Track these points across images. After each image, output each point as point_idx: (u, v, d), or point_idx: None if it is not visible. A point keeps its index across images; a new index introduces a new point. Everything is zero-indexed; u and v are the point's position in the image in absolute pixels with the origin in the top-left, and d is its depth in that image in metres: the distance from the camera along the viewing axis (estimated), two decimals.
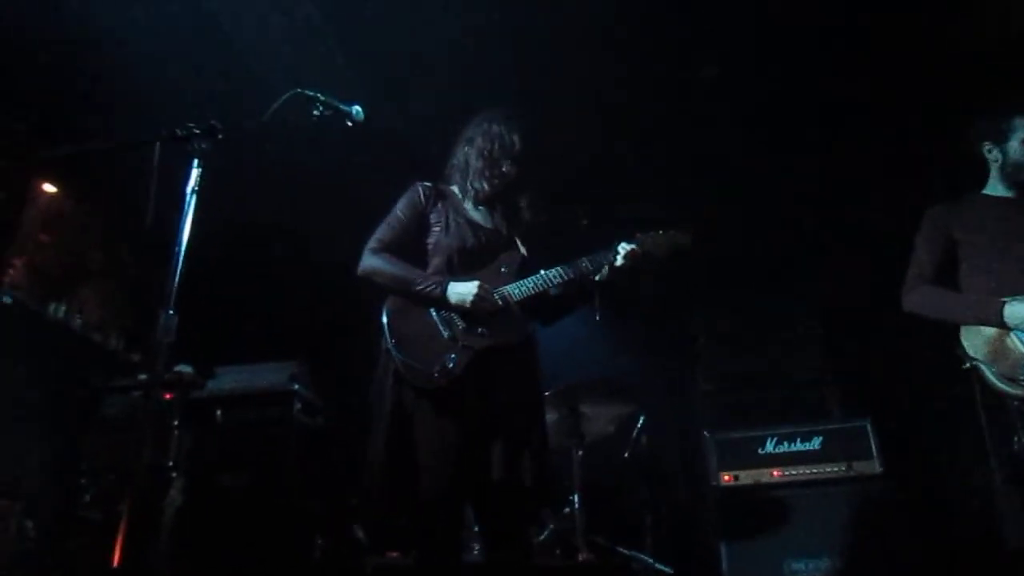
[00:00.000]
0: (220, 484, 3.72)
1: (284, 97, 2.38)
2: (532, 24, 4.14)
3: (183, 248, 2.12)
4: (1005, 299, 2.80)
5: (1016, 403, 2.79)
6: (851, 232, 4.86)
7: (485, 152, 2.83)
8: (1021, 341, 2.74)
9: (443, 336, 2.65)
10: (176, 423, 3.65)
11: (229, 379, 3.95)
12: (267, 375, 4.00)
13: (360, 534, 4.00)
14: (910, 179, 4.58)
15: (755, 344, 4.48)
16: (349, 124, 2.52)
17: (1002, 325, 2.79)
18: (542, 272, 2.76)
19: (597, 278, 2.80)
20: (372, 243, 2.81)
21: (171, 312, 2.09)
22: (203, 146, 2.16)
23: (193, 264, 2.14)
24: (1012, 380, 2.74)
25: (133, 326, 4.75)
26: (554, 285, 2.76)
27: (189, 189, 2.16)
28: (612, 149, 4.97)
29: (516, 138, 2.83)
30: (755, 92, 4.68)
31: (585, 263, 2.78)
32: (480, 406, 2.62)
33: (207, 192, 2.19)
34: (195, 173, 2.17)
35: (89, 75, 4.12)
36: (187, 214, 2.15)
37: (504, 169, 2.82)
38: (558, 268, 2.76)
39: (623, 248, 2.78)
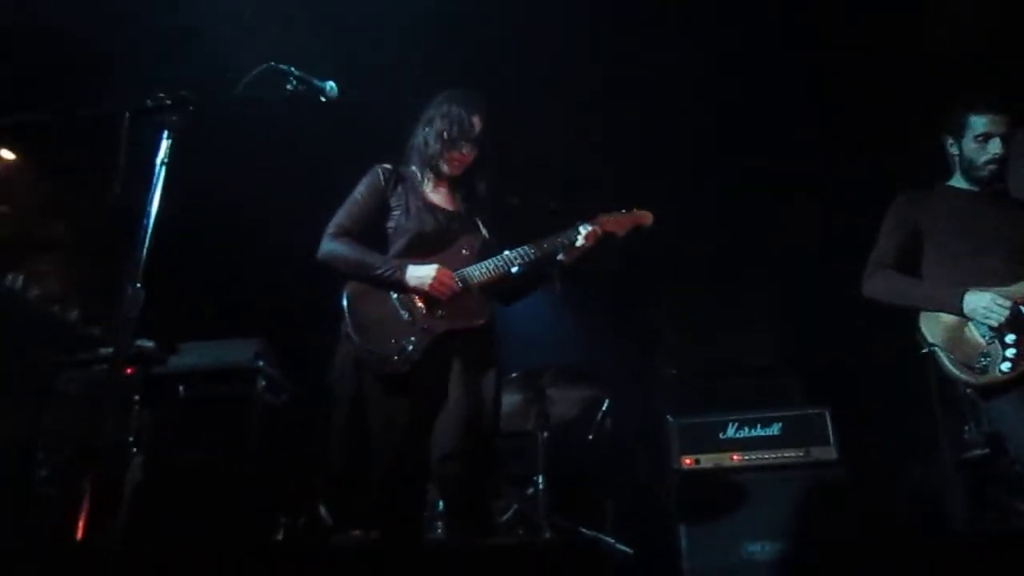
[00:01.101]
0: (181, 461, 3.69)
1: (257, 70, 2.35)
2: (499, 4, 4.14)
3: (151, 221, 2.09)
4: (965, 289, 2.84)
5: (969, 391, 2.87)
6: (815, 222, 4.94)
7: (444, 133, 2.82)
8: (979, 330, 2.80)
9: (402, 319, 2.66)
10: (137, 399, 3.59)
11: (192, 355, 3.89)
12: (231, 352, 3.95)
13: (324, 512, 4.00)
14: (875, 169, 4.67)
15: (719, 332, 4.55)
16: (323, 100, 2.49)
17: (960, 314, 2.84)
18: (503, 253, 2.77)
19: (560, 258, 2.82)
20: (331, 228, 2.81)
21: (137, 286, 2.06)
22: (174, 118, 2.13)
23: (159, 237, 2.11)
24: (967, 367, 2.79)
25: (95, 300, 4.65)
26: (515, 265, 2.77)
27: (158, 161, 2.12)
28: (577, 135, 4.99)
29: (475, 119, 2.82)
30: (725, 84, 4.72)
31: (547, 244, 2.79)
32: (437, 387, 2.64)
33: (175, 164, 2.16)
34: (165, 144, 2.13)
35: (53, 45, 4.02)
36: (156, 186, 2.12)
37: (463, 151, 2.83)
38: (519, 249, 2.78)
39: (584, 228, 2.81)
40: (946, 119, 3.08)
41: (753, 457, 3.83)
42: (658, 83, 4.68)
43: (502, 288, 2.92)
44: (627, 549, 3.94)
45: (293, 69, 2.40)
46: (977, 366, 2.77)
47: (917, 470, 4.00)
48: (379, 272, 2.70)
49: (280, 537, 3.78)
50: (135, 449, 3.51)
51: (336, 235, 2.79)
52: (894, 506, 3.93)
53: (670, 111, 4.83)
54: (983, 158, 2.97)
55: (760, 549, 3.56)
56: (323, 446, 2.96)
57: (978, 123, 2.96)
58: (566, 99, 4.74)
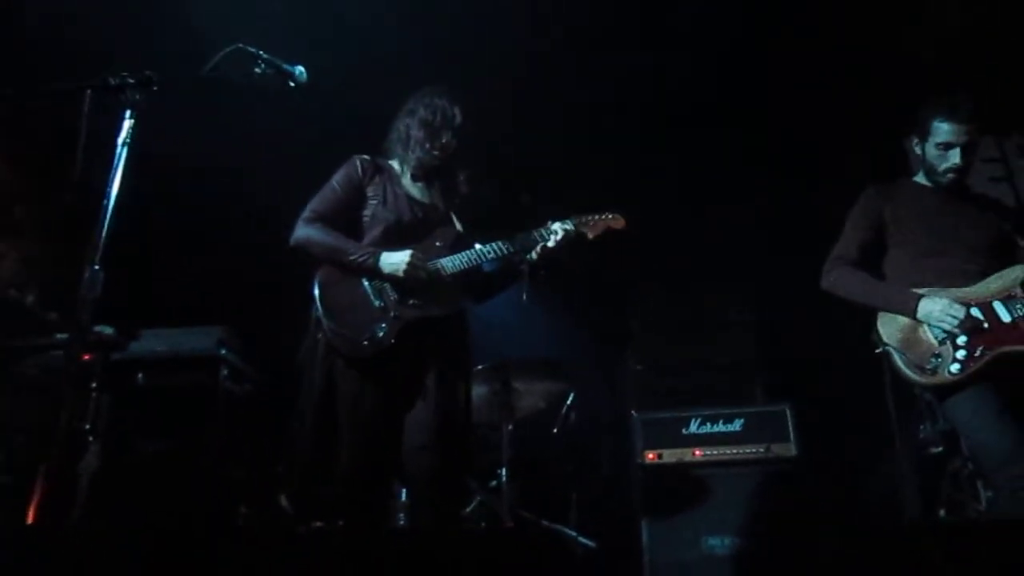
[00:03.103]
0: (140, 450, 3.62)
1: (225, 51, 2.31)
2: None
3: (112, 202, 2.05)
4: (922, 292, 2.89)
5: (924, 392, 2.93)
6: (781, 221, 5.01)
7: (427, 122, 2.83)
8: (933, 333, 2.85)
9: (374, 305, 2.66)
10: (95, 385, 3.52)
11: (153, 342, 3.82)
12: (193, 339, 3.89)
13: (285, 503, 3.96)
14: (841, 169, 4.74)
15: (686, 329, 4.58)
16: (292, 85, 2.46)
17: (915, 318, 2.88)
18: (477, 247, 2.78)
19: (532, 256, 2.84)
20: (307, 213, 2.80)
21: (97, 268, 2.02)
22: (136, 97, 2.08)
23: (120, 220, 2.07)
24: (919, 367, 2.83)
25: (53, 284, 4.55)
26: (488, 260, 2.79)
27: (120, 141, 2.08)
28: (551, 134, 5.00)
29: (457, 111, 2.84)
30: (690, 83, 4.76)
31: (519, 240, 2.82)
32: (409, 376, 2.64)
33: (138, 145, 2.11)
34: (127, 124, 2.09)
35: (12, 19, 3.92)
36: (117, 167, 2.07)
37: (444, 140, 2.83)
38: (493, 243, 2.79)
39: (558, 227, 2.83)
40: (914, 120, 3.11)
41: (715, 452, 3.87)
42: (631, 82, 4.71)
43: (475, 285, 2.93)
44: (589, 543, 3.96)
45: (262, 52, 2.37)
46: (928, 367, 2.81)
47: (875, 467, 4.07)
48: (353, 257, 2.69)
49: (239, 527, 3.74)
50: (91, 437, 3.45)
51: (311, 220, 2.78)
52: (851, 502, 4.00)
53: (642, 109, 4.86)
54: (943, 165, 3.00)
55: (720, 543, 3.60)
56: (286, 436, 2.93)
57: (941, 130, 2.97)
58: (539, 97, 4.75)
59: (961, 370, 2.74)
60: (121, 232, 2.08)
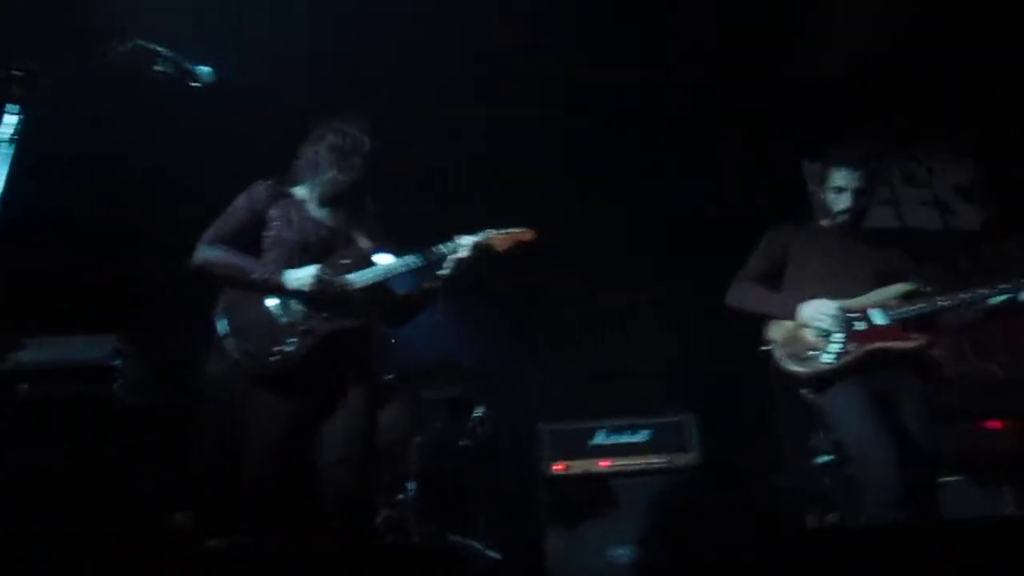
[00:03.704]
0: (22, 465, 3.43)
1: (122, 46, 2.21)
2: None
3: None
4: (804, 298, 3.11)
5: (807, 394, 3.10)
6: (689, 227, 5.15)
7: (336, 147, 2.83)
8: (813, 331, 3.06)
9: (280, 323, 2.65)
10: None
11: (40, 351, 3.63)
12: (86, 349, 3.70)
13: (182, 519, 3.81)
14: (746, 183, 4.92)
15: (594, 341, 4.65)
16: (196, 85, 2.38)
17: (796, 320, 3.10)
18: (384, 261, 2.78)
19: (441, 271, 2.85)
20: (206, 236, 2.80)
21: None
22: (24, 92, 1.97)
23: (6, 220, 1.96)
24: (798, 358, 3.05)
25: None
26: (396, 273, 2.79)
27: (7, 138, 1.96)
28: (456, 144, 5.01)
29: (366, 138, 2.85)
30: (601, 93, 4.85)
31: (428, 253, 2.82)
32: (320, 390, 2.63)
33: (27, 142, 2.01)
34: (12, 120, 1.98)
35: None
36: (3, 166, 1.96)
37: (354, 164, 2.83)
38: (401, 257, 2.79)
39: (467, 240, 2.84)
40: (811, 168, 3.33)
41: (621, 463, 3.93)
42: (536, 87, 4.75)
43: (389, 308, 2.93)
44: (495, 555, 3.96)
45: (163, 49, 2.28)
46: (804, 358, 3.04)
47: (774, 475, 4.22)
48: (256, 276, 2.69)
49: (131, 545, 3.57)
50: None
51: (211, 242, 2.77)
52: (751, 509, 4.12)
53: (558, 113, 4.91)
54: (837, 207, 3.22)
55: (624, 553, 3.66)
56: (183, 449, 2.86)
57: (836, 176, 3.21)
58: (450, 102, 4.74)
59: (835, 359, 2.98)
60: (7, 232, 1.97)
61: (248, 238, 2.81)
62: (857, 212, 3.24)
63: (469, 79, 4.60)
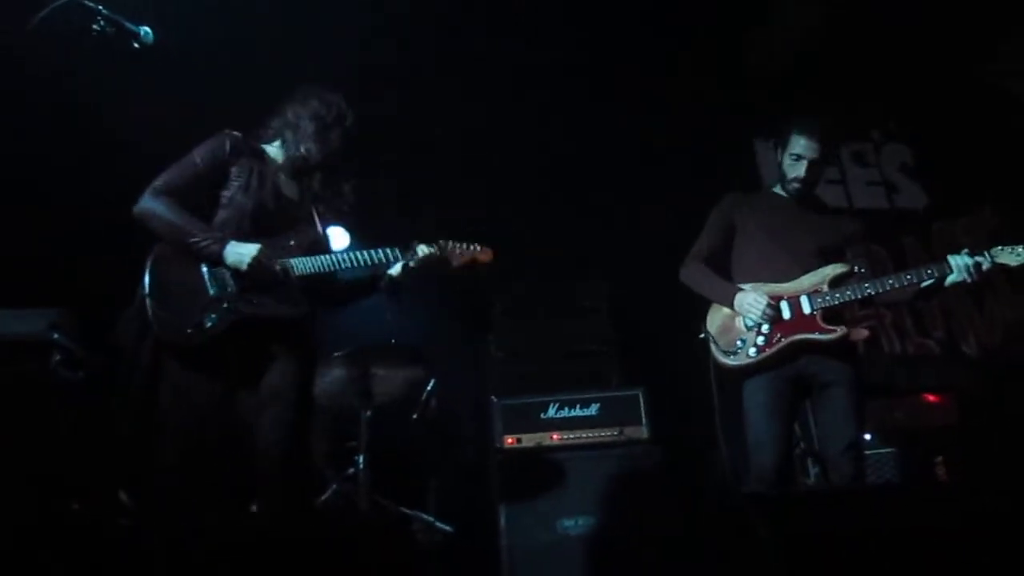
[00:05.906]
0: None
1: (56, 4, 2.11)
2: None
3: None
4: (743, 287, 3.22)
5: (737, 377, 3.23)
6: (645, 215, 5.22)
7: (319, 116, 2.73)
8: (744, 322, 3.20)
9: (208, 293, 2.53)
10: None
11: None
12: (21, 323, 3.56)
13: (125, 497, 3.72)
14: (696, 166, 5.00)
15: (545, 316, 4.66)
16: (136, 46, 2.29)
17: (733, 309, 3.21)
18: (331, 254, 2.70)
19: (391, 273, 2.79)
20: (157, 183, 2.62)
21: None
22: None
23: None
24: (726, 352, 3.21)
25: None
26: (342, 269, 2.72)
27: None
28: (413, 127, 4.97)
29: (349, 112, 2.78)
30: (555, 80, 4.87)
31: (378, 254, 2.75)
32: (238, 372, 2.55)
33: None
34: None
35: None
36: None
37: (333, 136, 2.74)
38: (349, 253, 2.71)
39: (421, 250, 2.77)
40: (778, 129, 3.40)
41: (571, 436, 3.97)
42: (491, 72, 4.75)
43: (325, 290, 2.84)
44: (447, 528, 3.97)
45: (101, 7, 2.19)
46: (731, 351, 3.20)
47: (713, 450, 4.30)
48: (196, 240, 2.56)
49: (69, 524, 3.48)
50: None
51: (159, 192, 2.61)
52: (696, 480, 4.20)
53: (506, 105, 4.92)
54: (791, 175, 3.30)
55: (574, 524, 3.70)
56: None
57: (796, 143, 3.27)
58: (405, 97, 4.72)
59: (757, 353, 3.13)
60: None
61: (205, 191, 2.68)
62: (808, 183, 3.31)
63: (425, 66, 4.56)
